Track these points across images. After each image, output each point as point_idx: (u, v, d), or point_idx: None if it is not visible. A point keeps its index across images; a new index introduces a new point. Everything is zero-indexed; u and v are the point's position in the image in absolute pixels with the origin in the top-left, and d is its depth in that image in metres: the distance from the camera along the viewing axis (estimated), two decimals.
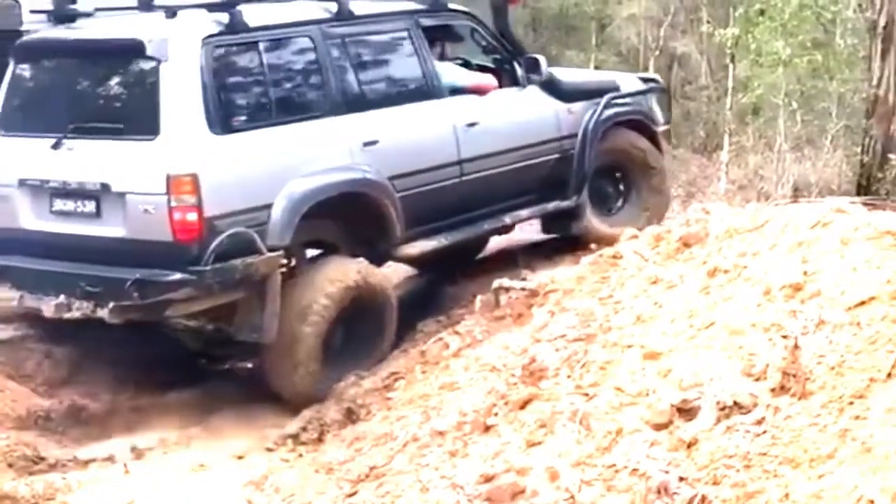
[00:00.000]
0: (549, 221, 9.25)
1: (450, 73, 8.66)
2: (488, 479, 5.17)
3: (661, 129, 9.72)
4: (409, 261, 8.64)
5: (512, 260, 8.91)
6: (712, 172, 19.54)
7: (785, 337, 5.13)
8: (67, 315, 7.18)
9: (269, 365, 7.60)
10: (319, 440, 6.98)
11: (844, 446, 4.59)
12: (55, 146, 7.36)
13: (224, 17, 7.37)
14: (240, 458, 6.98)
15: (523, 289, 7.39)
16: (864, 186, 11.16)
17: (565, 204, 8.97)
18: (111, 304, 7.04)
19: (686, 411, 5.07)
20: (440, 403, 6.20)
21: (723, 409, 4.97)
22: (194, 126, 7.08)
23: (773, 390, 4.96)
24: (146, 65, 7.16)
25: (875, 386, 4.76)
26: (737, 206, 8.40)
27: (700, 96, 23.30)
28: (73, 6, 7.88)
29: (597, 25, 25.07)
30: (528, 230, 9.68)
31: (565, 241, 9.19)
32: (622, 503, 4.82)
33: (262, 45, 7.49)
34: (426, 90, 8.28)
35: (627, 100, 9.48)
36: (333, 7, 7.97)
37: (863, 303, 5.11)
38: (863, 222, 5.64)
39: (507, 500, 5.04)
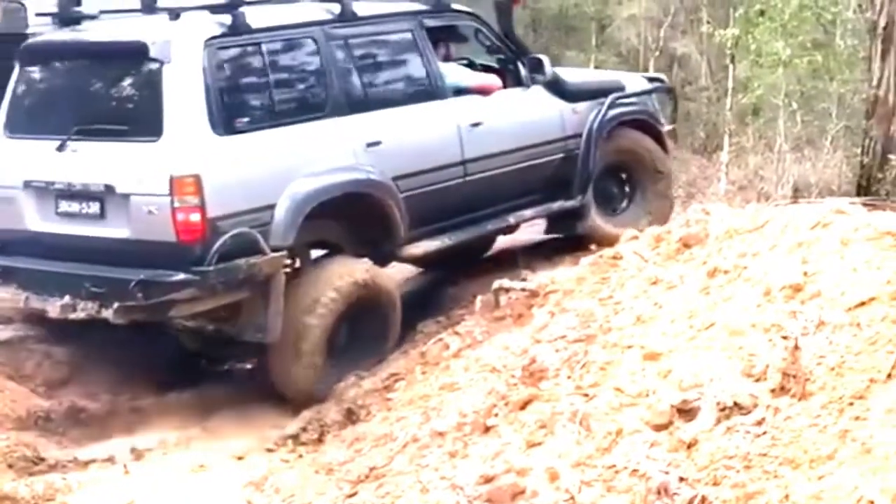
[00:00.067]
0: (553, 221, 9.25)
1: (454, 73, 8.67)
2: (488, 480, 5.17)
3: (666, 128, 9.71)
4: (414, 261, 8.65)
5: (512, 260, 8.92)
6: (712, 173, 19.55)
7: (785, 338, 5.13)
8: (72, 316, 7.20)
9: (272, 360, 7.60)
10: (319, 441, 6.98)
11: (844, 447, 4.59)
12: (60, 148, 7.39)
13: (227, 19, 7.38)
14: (240, 458, 6.98)
15: (523, 289, 7.39)
16: (864, 187, 11.15)
17: (570, 204, 8.98)
18: (115, 305, 7.05)
19: (686, 412, 5.07)
20: (440, 404, 6.20)
21: (723, 409, 4.97)
22: (197, 127, 7.10)
23: (773, 391, 4.96)
24: (149, 67, 7.18)
25: (875, 387, 4.76)
26: (737, 206, 8.37)
27: (700, 97, 23.31)
28: (77, 9, 7.91)
29: (597, 26, 25.08)
30: (529, 230, 9.68)
31: (565, 241, 9.20)
32: None
33: (264, 47, 7.50)
34: (430, 90, 8.29)
35: (632, 99, 9.48)
36: (336, 8, 7.99)
37: (863, 303, 5.11)
38: (863, 223, 5.64)
39: (507, 501, 5.04)
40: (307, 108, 7.67)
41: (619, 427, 5.15)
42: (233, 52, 7.40)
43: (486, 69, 9.08)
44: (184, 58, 7.15)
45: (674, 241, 6.53)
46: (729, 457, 4.77)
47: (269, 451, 7.06)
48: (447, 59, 8.91)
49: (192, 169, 7.01)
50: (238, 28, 7.39)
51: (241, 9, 7.45)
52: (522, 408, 5.64)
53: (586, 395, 5.48)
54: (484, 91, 8.67)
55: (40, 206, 7.56)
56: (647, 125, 9.52)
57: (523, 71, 8.89)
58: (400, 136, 7.98)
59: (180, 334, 8.14)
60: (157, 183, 7.02)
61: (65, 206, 7.46)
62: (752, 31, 16.77)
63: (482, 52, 9.17)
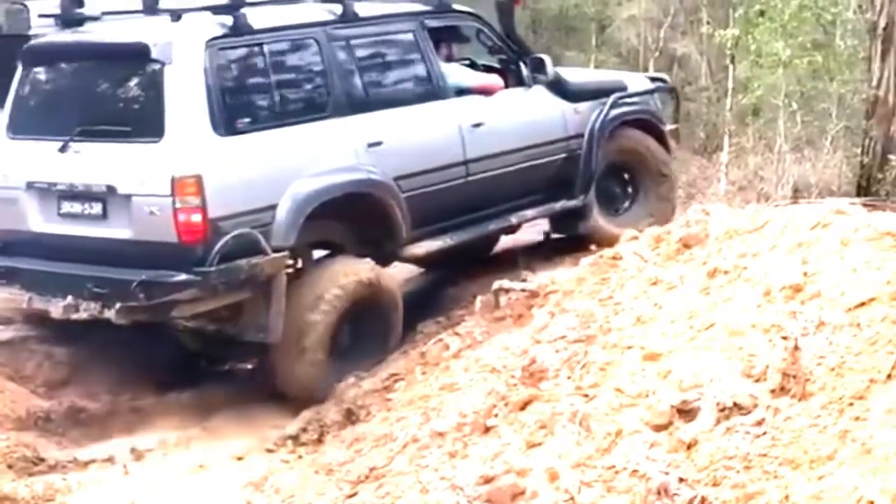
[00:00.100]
0: (556, 221, 9.26)
1: (456, 73, 8.69)
2: (488, 481, 5.18)
3: (668, 128, 9.70)
4: (416, 261, 8.66)
5: (512, 261, 8.92)
6: (712, 173, 19.53)
7: (785, 338, 5.14)
8: (75, 316, 7.22)
9: (275, 359, 7.61)
10: (319, 441, 6.99)
11: (844, 447, 4.60)
12: (62, 149, 7.41)
13: (228, 20, 7.40)
14: (239, 459, 6.99)
15: (523, 290, 7.39)
16: (864, 187, 11.17)
17: (572, 204, 8.99)
18: (118, 305, 7.07)
19: (686, 412, 5.07)
20: (440, 404, 6.20)
21: (723, 410, 4.97)
22: (198, 128, 7.11)
23: (772, 391, 4.97)
24: (151, 68, 7.20)
25: (875, 387, 4.77)
26: (737, 207, 8.37)
27: (700, 97, 23.28)
28: (80, 10, 7.93)
29: (597, 26, 25.05)
30: (529, 231, 9.69)
31: (565, 241, 9.21)
32: None
33: (266, 48, 7.52)
34: (431, 91, 8.30)
35: (635, 99, 9.49)
36: (338, 9, 8.00)
37: (863, 304, 5.11)
38: (863, 223, 5.64)
39: (506, 502, 5.05)
40: (309, 109, 7.69)
41: (619, 427, 5.16)
42: (234, 52, 7.41)
43: (488, 69, 9.09)
44: (185, 59, 7.16)
45: (674, 241, 6.53)
46: (729, 457, 4.77)
47: (269, 451, 7.06)
48: (449, 59, 8.92)
49: (193, 169, 7.02)
50: (239, 29, 7.40)
51: (243, 10, 7.47)
52: (522, 408, 5.64)
53: (586, 395, 5.49)
54: (486, 91, 8.68)
55: (43, 206, 7.58)
56: (649, 125, 9.52)
57: (525, 71, 8.90)
58: (401, 137, 7.99)
59: (181, 334, 8.15)
60: (158, 183, 7.04)
61: (67, 206, 7.48)
62: (752, 31, 16.74)
63: (484, 53, 9.18)
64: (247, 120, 7.32)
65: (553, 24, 25.41)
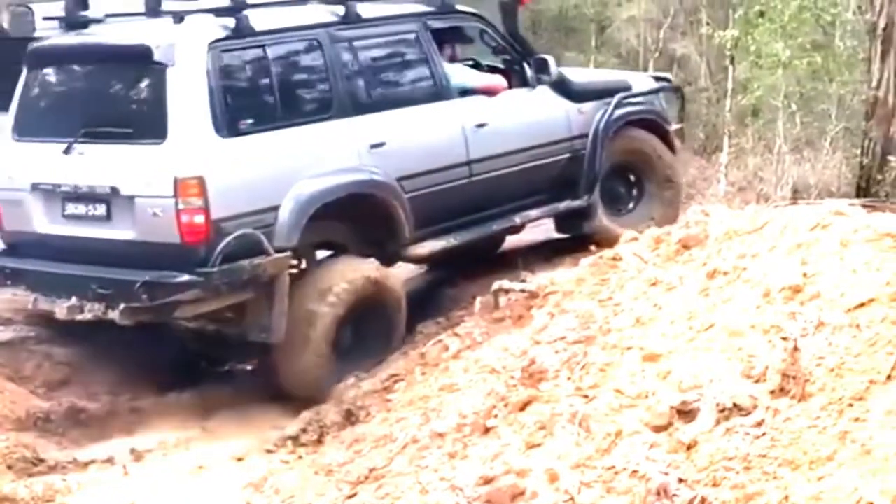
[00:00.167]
0: (560, 221, 9.27)
1: (459, 74, 8.70)
2: (488, 481, 5.18)
3: (673, 128, 9.70)
4: (419, 261, 8.67)
5: (512, 261, 8.93)
6: (712, 174, 19.52)
7: (784, 339, 5.13)
8: (80, 317, 7.26)
9: (278, 357, 7.62)
10: (319, 442, 6.99)
11: (844, 448, 4.60)
12: (66, 151, 7.44)
13: (231, 22, 7.42)
14: (239, 459, 7.00)
15: (523, 290, 7.39)
16: (864, 188, 11.17)
17: (576, 204, 9.00)
18: (121, 306, 7.10)
19: (685, 413, 5.07)
20: (440, 405, 6.20)
21: (722, 410, 4.97)
22: (201, 129, 7.14)
23: (772, 392, 4.97)
24: (154, 70, 7.22)
25: (875, 388, 4.76)
26: (736, 207, 8.39)
27: (699, 98, 23.25)
28: (84, 13, 7.94)
29: (596, 27, 25.04)
30: (531, 231, 9.70)
31: (564, 242, 9.22)
32: None
33: (268, 49, 7.54)
34: (435, 92, 8.32)
35: (639, 99, 9.49)
36: (341, 10, 8.02)
37: (862, 305, 5.11)
38: (862, 224, 5.63)
39: (506, 502, 5.04)
40: (311, 110, 7.72)
41: (619, 428, 5.16)
42: (237, 54, 7.44)
43: (492, 70, 9.10)
44: (188, 61, 7.18)
45: (673, 242, 6.54)
46: (728, 458, 4.77)
47: (269, 452, 7.07)
48: (453, 59, 8.94)
49: (196, 171, 7.05)
50: (242, 31, 7.42)
51: (245, 11, 7.48)
52: (522, 409, 5.64)
53: (586, 396, 5.49)
54: (489, 92, 8.69)
55: (48, 208, 7.62)
56: (654, 125, 9.52)
57: (529, 71, 8.91)
58: (404, 137, 8.01)
59: (183, 335, 8.17)
60: (161, 185, 7.06)
61: (71, 208, 7.51)
62: (752, 32, 16.73)
63: (488, 53, 9.19)
64: (249, 121, 7.35)
65: (553, 24, 25.40)
